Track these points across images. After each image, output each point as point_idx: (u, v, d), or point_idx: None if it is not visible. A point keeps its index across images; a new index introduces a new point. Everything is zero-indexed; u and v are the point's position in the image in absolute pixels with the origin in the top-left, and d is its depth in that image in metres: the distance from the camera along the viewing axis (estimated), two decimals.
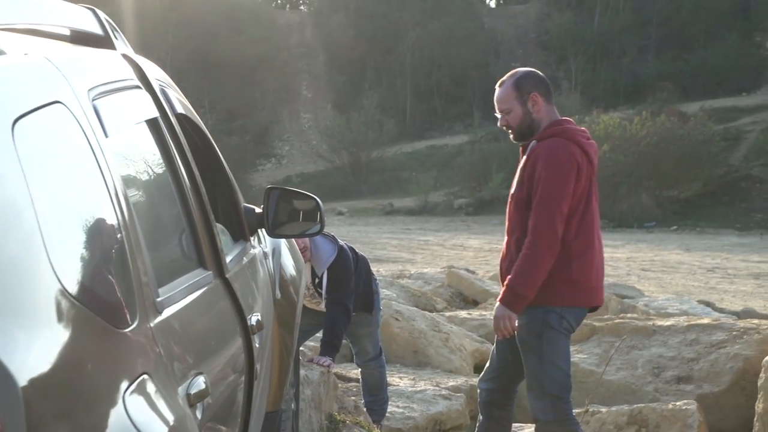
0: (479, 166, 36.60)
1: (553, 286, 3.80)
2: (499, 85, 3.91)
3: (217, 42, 48.58)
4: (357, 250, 5.27)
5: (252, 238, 3.17)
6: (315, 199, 3.23)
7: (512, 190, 3.92)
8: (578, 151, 3.83)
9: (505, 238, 3.94)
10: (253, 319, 2.61)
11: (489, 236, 25.76)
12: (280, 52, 53.18)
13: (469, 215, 33.59)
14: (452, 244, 23.39)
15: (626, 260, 19.57)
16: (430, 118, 52.28)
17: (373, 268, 5.94)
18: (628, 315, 8.35)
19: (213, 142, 2.95)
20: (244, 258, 2.88)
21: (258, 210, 3.22)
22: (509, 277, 3.78)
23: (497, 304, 3.84)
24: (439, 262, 18.30)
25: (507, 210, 3.99)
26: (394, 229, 28.84)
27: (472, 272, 13.50)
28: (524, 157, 3.87)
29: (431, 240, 24.52)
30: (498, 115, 3.91)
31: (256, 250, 3.15)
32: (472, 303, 11.62)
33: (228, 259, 2.59)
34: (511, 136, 3.92)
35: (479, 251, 21.50)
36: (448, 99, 52.85)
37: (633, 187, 30.85)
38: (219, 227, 2.71)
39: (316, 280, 5.04)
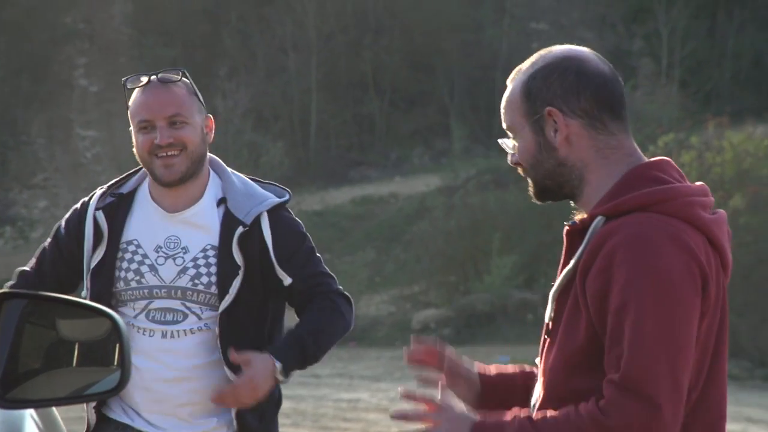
0: (466, 242, 17.52)
1: None
2: (510, 80, 1.91)
3: None
4: None
5: None
6: (109, 314, 1.74)
7: (547, 323, 1.86)
8: (701, 245, 1.77)
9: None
10: None
11: None
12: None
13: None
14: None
15: None
16: (360, 138, 26.21)
17: None
18: None
19: None
20: None
21: None
22: (538, 416, 1.81)
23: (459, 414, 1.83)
24: None
25: (541, 365, 1.89)
26: None
27: None
28: (577, 254, 1.81)
29: (364, 400, 11.72)
30: (504, 142, 1.93)
31: None
32: None
33: None
34: (530, 189, 1.91)
35: None
36: (399, 99, 26.19)
37: None
38: None
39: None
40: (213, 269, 2.66)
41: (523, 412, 1.84)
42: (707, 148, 15.28)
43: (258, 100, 26.09)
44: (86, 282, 2.73)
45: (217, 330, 2.65)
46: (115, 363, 1.77)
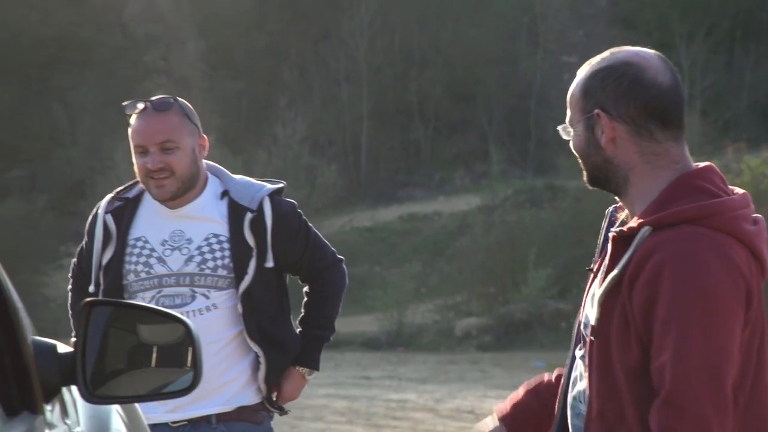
0: (504, 256, 17.64)
1: None
2: (581, 70, 1.84)
3: None
4: None
5: (49, 408, 1.64)
6: (183, 321, 1.76)
7: (593, 324, 1.74)
8: (744, 258, 1.70)
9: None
10: None
11: None
12: (105, 35, 26.17)
13: (486, 350, 15.97)
14: (454, 410, 10.69)
15: None
16: (407, 161, 26.21)
17: None
18: None
19: None
20: None
21: (64, 348, 1.70)
22: None
23: None
24: None
25: (587, 361, 1.77)
26: (337, 378, 13.40)
27: None
28: (622, 262, 1.72)
29: (411, 401, 11.46)
30: (564, 128, 1.85)
31: None
32: None
33: None
34: (584, 176, 1.85)
35: None
36: (442, 125, 26.25)
37: None
38: None
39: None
40: (218, 254, 2.67)
41: None
42: (727, 170, 15.67)
43: (314, 127, 26.22)
44: (95, 278, 2.73)
45: (239, 307, 2.65)
46: (188, 364, 1.82)
